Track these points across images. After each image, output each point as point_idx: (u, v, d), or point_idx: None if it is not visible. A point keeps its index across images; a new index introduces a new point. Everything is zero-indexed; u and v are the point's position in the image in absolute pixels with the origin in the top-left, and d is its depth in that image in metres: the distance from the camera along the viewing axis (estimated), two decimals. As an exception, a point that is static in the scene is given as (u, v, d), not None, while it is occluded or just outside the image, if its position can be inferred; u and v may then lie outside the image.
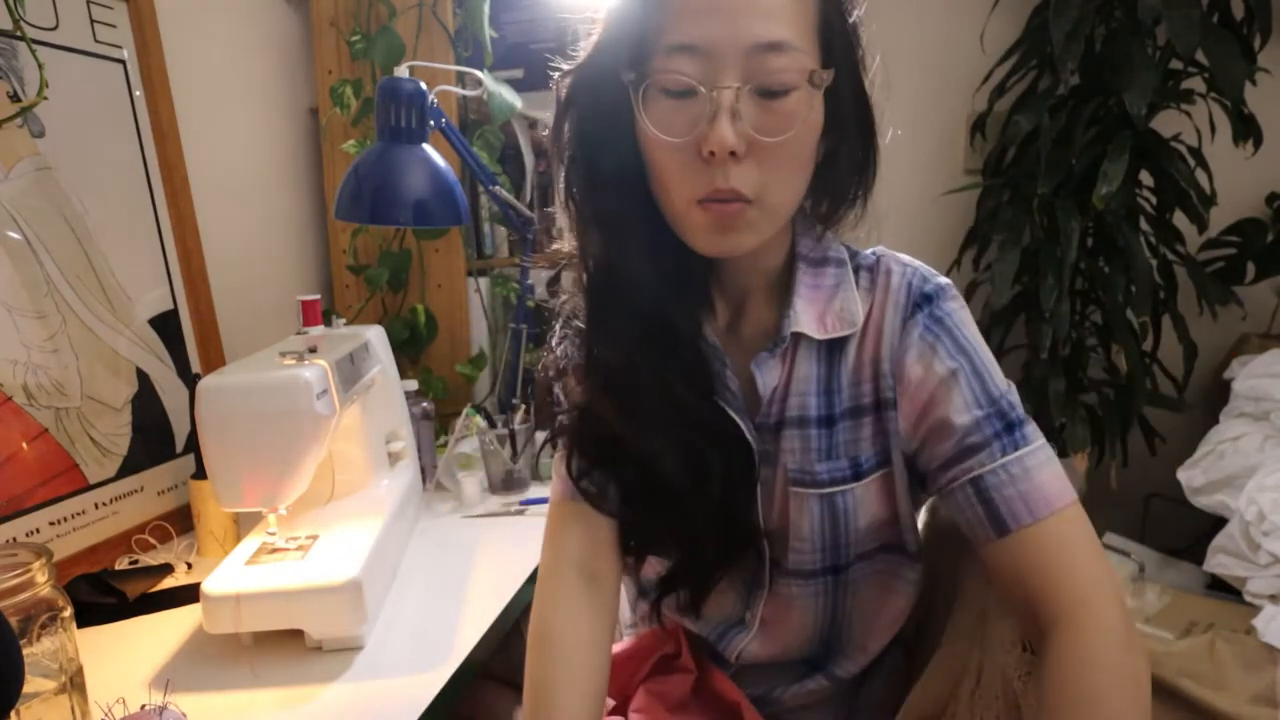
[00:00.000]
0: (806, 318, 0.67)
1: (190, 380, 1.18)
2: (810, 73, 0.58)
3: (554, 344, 0.73)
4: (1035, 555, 0.60)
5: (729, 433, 0.68)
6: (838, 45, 0.61)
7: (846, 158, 0.65)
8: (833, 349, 0.67)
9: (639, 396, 0.66)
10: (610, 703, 0.71)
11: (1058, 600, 0.58)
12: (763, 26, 0.57)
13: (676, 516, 0.69)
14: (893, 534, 0.71)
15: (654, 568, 0.74)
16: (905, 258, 0.69)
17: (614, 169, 0.64)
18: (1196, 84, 1.73)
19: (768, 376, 0.67)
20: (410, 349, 1.54)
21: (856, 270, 0.69)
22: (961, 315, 0.66)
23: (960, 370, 0.64)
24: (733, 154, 0.58)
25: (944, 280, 0.68)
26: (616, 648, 0.76)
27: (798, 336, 0.67)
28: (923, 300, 0.66)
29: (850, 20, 0.62)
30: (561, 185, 0.68)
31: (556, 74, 0.67)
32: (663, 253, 0.66)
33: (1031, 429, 0.63)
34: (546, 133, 0.70)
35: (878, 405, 0.67)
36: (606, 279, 0.68)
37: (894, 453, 0.68)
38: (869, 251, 0.70)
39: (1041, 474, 0.61)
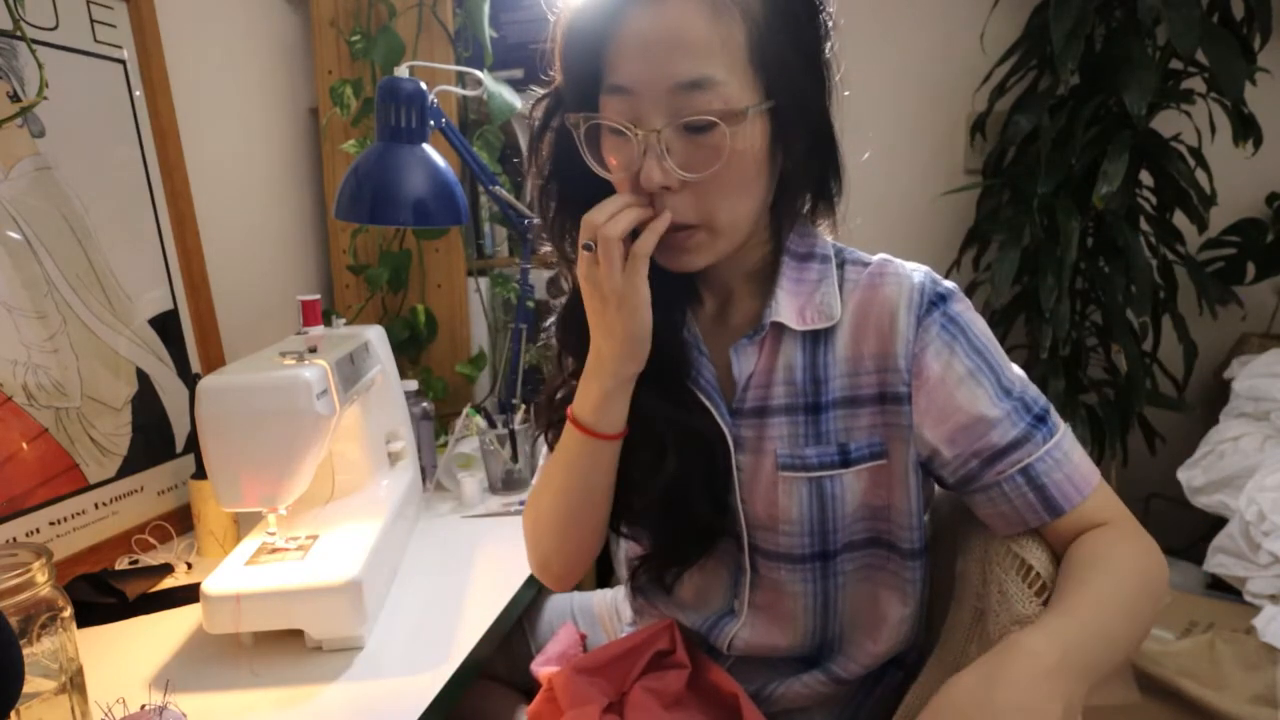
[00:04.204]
0: (787, 309, 0.69)
1: (190, 380, 1.18)
2: (735, 110, 0.61)
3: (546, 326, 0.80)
4: (1085, 526, 0.66)
5: (702, 421, 0.71)
6: (776, 71, 0.63)
7: (810, 168, 0.68)
8: (818, 339, 0.70)
9: None
10: (605, 701, 0.71)
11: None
12: (685, 66, 0.60)
13: (636, 500, 0.73)
14: (884, 528, 0.72)
15: (638, 551, 0.78)
16: (913, 264, 0.71)
17: (587, 186, 0.68)
18: (1196, 84, 1.73)
19: (744, 363, 0.71)
20: (410, 349, 1.54)
21: (841, 266, 0.72)
22: (971, 316, 0.69)
23: (981, 369, 0.66)
24: (667, 188, 0.63)
25: (953, 284, 0.70)
26: (611, 646, 0.77)
27: (780, 327, 0.70)
28: (937, 299, 0.68)
29: (798, 45, 0.64)
30: (538, 199, 0.73)
31: (532, 101, 0.72)
32: None
33: (1055, 415, 0.67)
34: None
35: (881, 398, 0.69)
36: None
37: (898, 446, 0.69)
38: (879, 256, 0.72)
39: (1075, 454, 0.67)
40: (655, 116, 0.61)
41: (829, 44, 0.66)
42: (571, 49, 0.65)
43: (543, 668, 0.80)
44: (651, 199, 0.65)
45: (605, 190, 0.68)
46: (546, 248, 0.77)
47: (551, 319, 0.79)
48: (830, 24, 0.66)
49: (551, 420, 0.78)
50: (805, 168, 0.68)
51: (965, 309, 0.69)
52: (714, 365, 0.73)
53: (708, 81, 0.60)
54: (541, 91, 0.71)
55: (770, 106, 0.63)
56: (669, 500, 0.71)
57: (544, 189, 0.72)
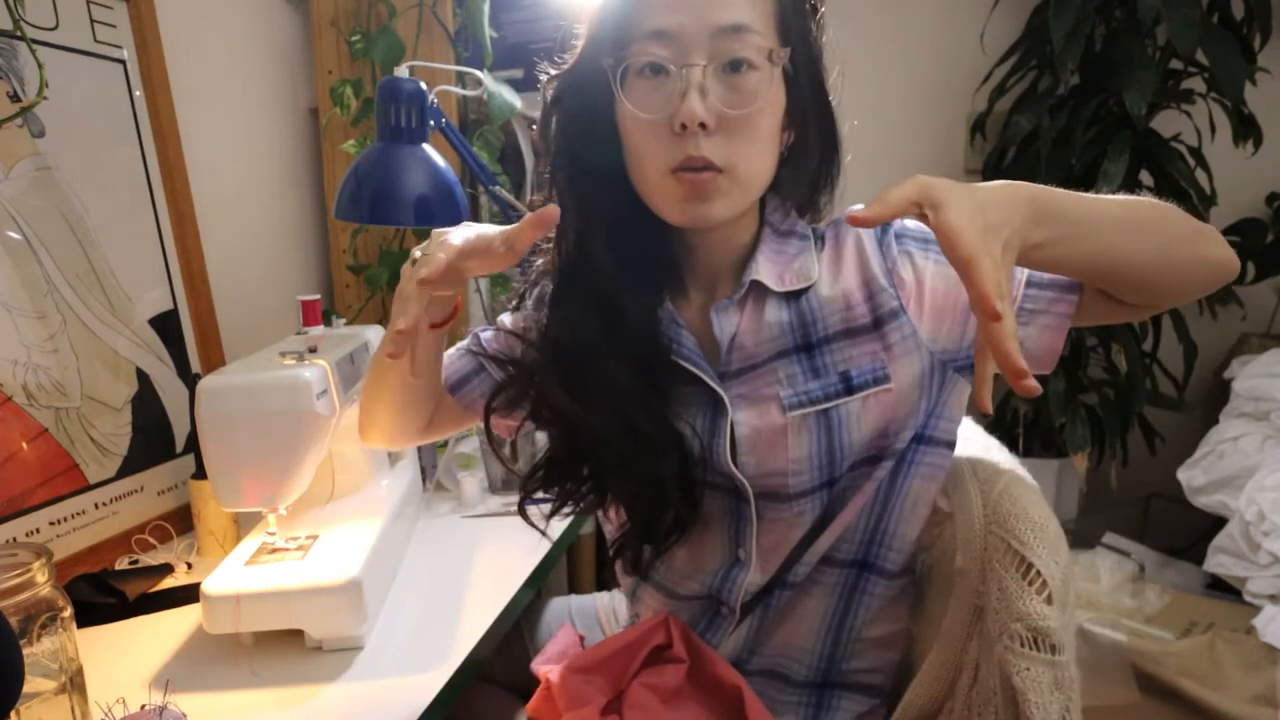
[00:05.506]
0: (767, 272, 0.73)
1: (190, 380, 1.18)
2: (769, 51, 0.66)
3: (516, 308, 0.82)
4: None
5: (691, 393, 0.73)
6: (794, 33, 0.68)
7: (811, 146, 0.72)
8: (797, 295, 0.73)
9: (585, 376, 0.72)
10: (603, 700, 0.71)
11: None
12: (726, 12, 0.65)
13: (629, 486, 0.73)
14: (886, 444, 0.72)
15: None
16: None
17: (594, 159, 0.72)
18: (1196, 84, 1.73)
19: (725, 323, 0.73)
20: (410, 349, 1.53)
21: (816, 240, 0.76)
22: (911, 224, 0.74)
23: (939, 256, 0.70)
24: (703, 126, 0.65)
25: None
26: (608, 642, 0.77)
27: (760, 289, 0.73)
28: (884, 225, 0.73)
29: (807, 16, 0.70)
30: (546, 175, 0.75)
31: (544, 77, 0.75)
32: (633, 241, 0.73)
33: None
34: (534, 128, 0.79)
35: (878, 322, 0.71)
36: (576, 261, 0.74)
37: (901, 365, 0.71)
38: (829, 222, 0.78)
39: None
40: (696, 57, 0.65)
41: (819, 24, 0.71)
42: (608, 2, 0.69)
43: (542, 666, 0.80)
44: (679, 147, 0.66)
45: (611, 159, 0.71)
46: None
47: (525, 298, 0.81)
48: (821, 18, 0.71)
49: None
50: (814, 144, 0.72)
51: (903, 223, 0.74)
52: (694, 335, 0.74)
53: (747, 27, 0.65)
54: (554, 71, 0.74)
55: (789, 67, 0.68)
56: (642, 489, 0.72)
57: (553, 161, 0.75)
